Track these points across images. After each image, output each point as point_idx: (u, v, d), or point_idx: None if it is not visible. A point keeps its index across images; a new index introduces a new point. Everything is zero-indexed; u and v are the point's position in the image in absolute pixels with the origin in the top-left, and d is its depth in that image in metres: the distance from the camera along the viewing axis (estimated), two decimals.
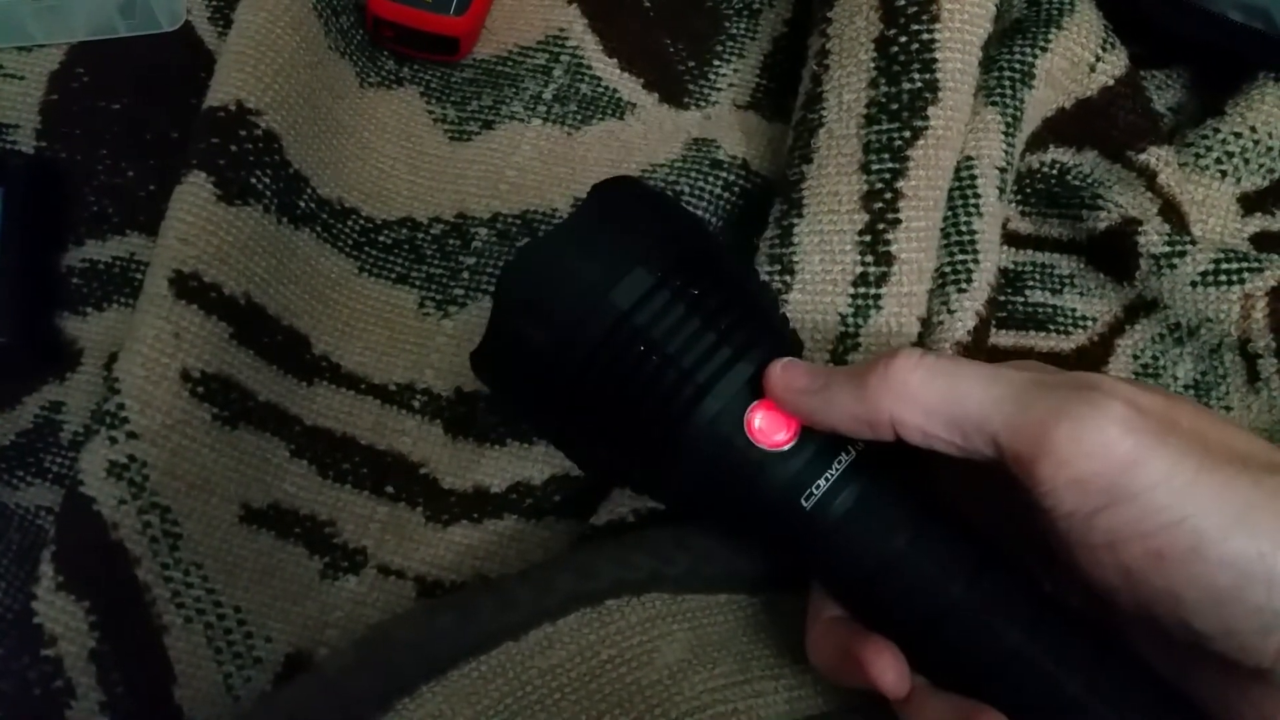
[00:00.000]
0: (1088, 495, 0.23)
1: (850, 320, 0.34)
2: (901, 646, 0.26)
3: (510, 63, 0.44)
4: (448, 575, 0.36)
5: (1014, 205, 0.42)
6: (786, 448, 0.26)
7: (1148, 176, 0.40)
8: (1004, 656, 0.25)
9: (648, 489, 0.29)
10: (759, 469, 0.26)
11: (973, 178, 0.37)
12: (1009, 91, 0.38)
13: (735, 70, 0.44)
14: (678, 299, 0.26)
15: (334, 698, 0.30)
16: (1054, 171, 0.41)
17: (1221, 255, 0.38)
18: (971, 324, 0.35)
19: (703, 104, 0.44)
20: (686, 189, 0.41)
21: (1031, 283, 0.41)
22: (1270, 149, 0.42)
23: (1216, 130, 0.42)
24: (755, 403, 0.26)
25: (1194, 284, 0.38)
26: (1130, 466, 0.22)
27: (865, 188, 0.35)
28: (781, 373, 0.26)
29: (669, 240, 0.27)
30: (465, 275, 0.40)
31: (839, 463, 0.26)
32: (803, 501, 0.26)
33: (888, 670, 0.25)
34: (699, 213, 0.41)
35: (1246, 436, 0.24)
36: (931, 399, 0.24)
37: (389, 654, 0.30)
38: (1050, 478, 0.23)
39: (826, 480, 0.26)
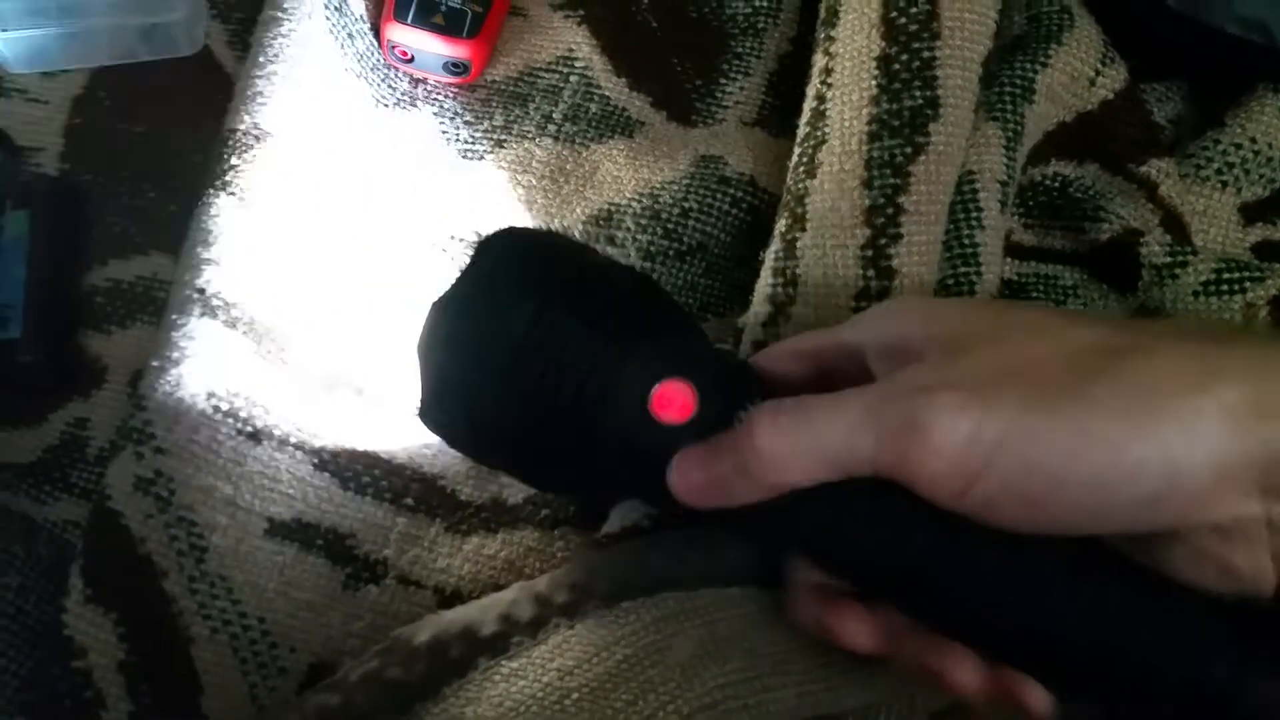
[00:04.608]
0: (953, 482, 0.24)
1: None
2: (883, 596, 0.28)
3: (521, 83, 0.45)
4: (466, 585, 0.37)
5: (1017, 218, 0.43)
6: (690, 417, 0.28)
7: (1149, 188, 0.41)
8: (974, 590, 0.26)
9: (603, 492, 0.31)
10: (674, 446, 0.28)
11: (974, 191, 0.37)
12: (1009, 107, 0.39)
13: (741, 88, 0.45)
14: (567, 314, 0.28)
15: (355, 704, 0.31)
16: (1056, 184, 0.42)
17: (1223, 265, 0.39)
18: None
19: (710, 121, 0.45)
20: (695, 205, 0.42)
21: (1035, 294, 0.42)
22: (1270, 159, 0.42)
23: (1217, 141, 0.42)
24: (655, 386, 0.28)
25: (1196, 294, 0.39)
26: (972, 443, 0.24)
27: (868, 203, 0.35)
28: (677, 477, 0.28)
29: (550, 267, 0.30)
30: None
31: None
32: None
33: (856, 635, 0.28)
34: (707, 228, 0.42)
35: (1077, 332, 0.25)
36: (802, 455, 0.26)
37: (409, 658, 0.31)
38: (918, 481, 0.25)
39: None
